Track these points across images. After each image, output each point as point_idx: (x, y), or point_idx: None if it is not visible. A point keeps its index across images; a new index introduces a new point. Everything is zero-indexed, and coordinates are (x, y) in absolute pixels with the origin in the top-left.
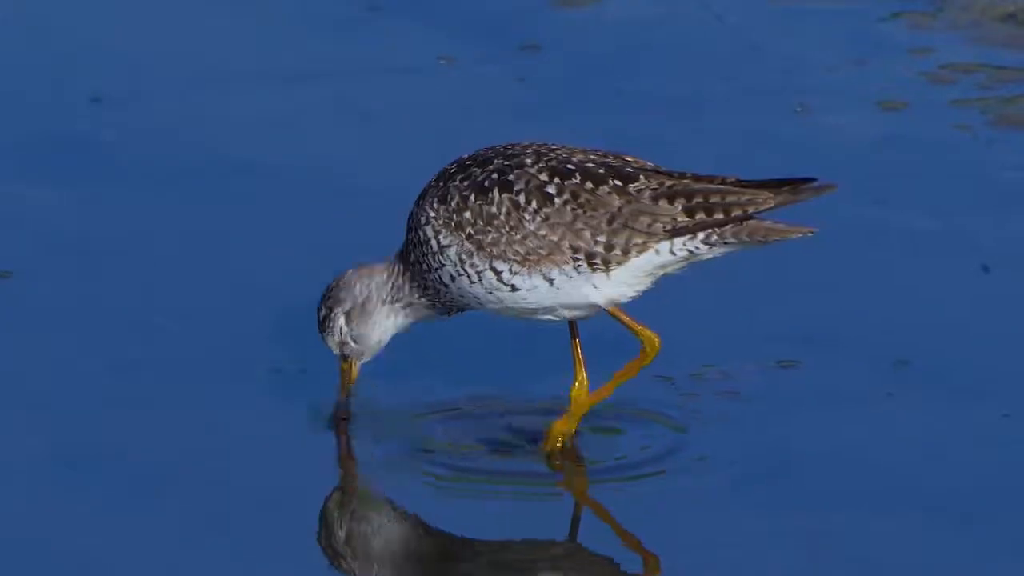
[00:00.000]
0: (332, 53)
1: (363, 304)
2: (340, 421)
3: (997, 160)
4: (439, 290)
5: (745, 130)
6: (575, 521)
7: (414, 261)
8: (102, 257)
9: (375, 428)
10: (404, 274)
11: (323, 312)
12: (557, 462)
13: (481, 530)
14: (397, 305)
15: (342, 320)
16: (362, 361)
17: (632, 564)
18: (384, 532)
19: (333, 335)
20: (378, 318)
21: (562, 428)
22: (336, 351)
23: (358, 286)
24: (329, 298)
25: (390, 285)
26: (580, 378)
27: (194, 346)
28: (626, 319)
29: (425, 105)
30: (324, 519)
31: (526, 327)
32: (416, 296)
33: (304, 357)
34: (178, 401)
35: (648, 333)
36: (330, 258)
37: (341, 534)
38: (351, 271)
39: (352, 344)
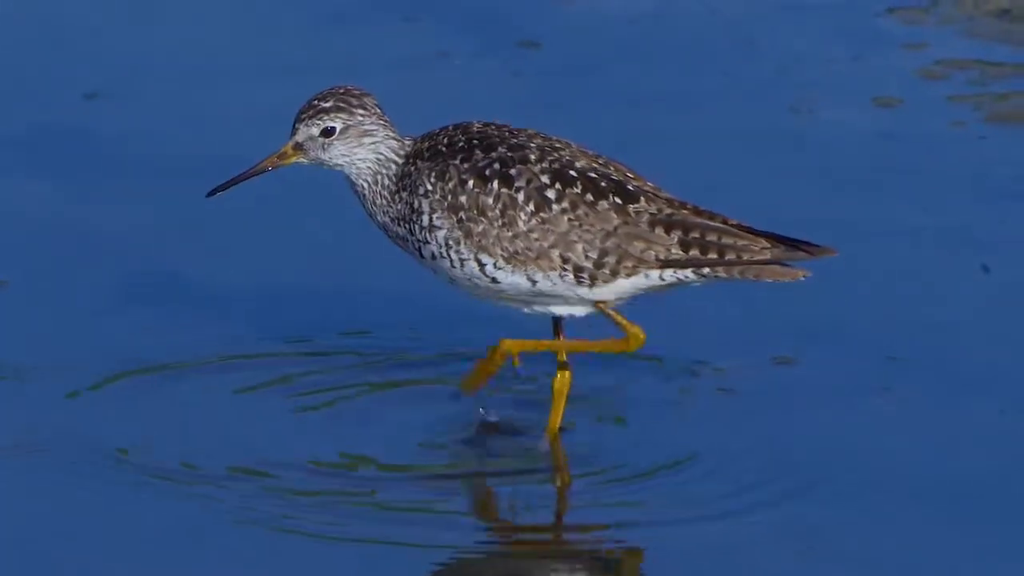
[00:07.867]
0: (329, 47)
1: (362, 136)
2: (233, 184)
3: (991, 156)
4: (410, 245)
5: (741, 126)
6: (562, 517)
7: (400, 212)
8: (97, 252)
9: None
10: (395, 188)
11: (329, 104)
12: (549, 448)
13: (473, 525)
14: (377, 186)
15: (339, 127)
16: (299, 164)
17: (625, 560)
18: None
19: (313, 127)
20: (358, 157)
21: (554, 422)
22: (300, 140)
23: (375, 123)
24: (349, 106)
25: (389, 174)
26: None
27: (189, 340)
28: (614, 315)
29: (422, 100)
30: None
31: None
32: (382, 209)
33: (301, 351)
34: (175, 396)
35: (634, 329)
36: (327, 252)
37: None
38: (376, 113)
39: (317, 150)
